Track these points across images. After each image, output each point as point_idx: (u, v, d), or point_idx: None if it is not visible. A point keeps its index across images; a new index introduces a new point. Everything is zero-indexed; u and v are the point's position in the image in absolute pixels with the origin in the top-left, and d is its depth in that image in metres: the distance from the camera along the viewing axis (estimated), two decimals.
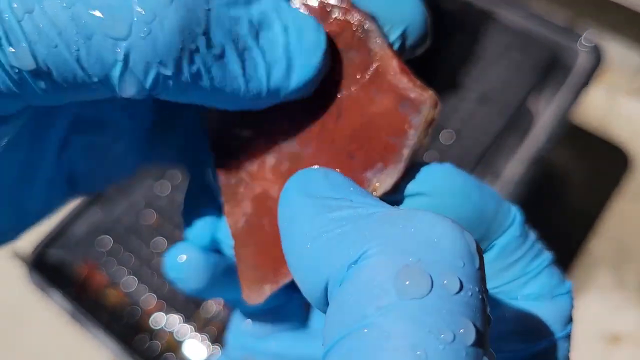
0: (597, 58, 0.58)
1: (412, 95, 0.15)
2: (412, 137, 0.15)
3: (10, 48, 0.13)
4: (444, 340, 0.10)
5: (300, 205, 0.14)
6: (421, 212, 0.12)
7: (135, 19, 0.13)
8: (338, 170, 0.16)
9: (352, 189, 0.14)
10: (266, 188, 0.18)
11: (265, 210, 0.18)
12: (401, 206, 0.16)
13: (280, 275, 0.17)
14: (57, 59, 0.13)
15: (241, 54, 0.14)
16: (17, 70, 0.13)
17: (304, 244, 0.13)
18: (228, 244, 0.19)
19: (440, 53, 0.62)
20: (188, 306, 0.53)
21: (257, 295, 0.18)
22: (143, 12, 0.13)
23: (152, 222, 0.57)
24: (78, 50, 0.13)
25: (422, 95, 0.15)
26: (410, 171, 0.16)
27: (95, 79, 0.13)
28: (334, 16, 0.16)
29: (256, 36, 0.15)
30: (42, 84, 0.13)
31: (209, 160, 0.19)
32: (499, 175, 0.54)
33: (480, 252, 0.12)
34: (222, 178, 0.19)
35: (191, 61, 0.14)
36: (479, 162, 0.56)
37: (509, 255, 0.16)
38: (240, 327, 0.22)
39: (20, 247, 0.55)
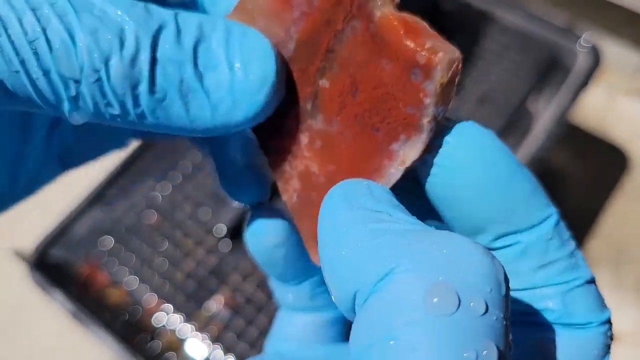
0: (596, 58, 0.58)
1: (421, 61, 0.14)
2: (429, 106, 0.15)
3: None
4: (467, 359, 0.10)
5: (340, 212, 0.14)
6: (456, 236, 0.12)
7: (86, 65, 0.14)
8: (366, 145, 0.16)
9: (393, 203, 0.14)
10: (307, 165, 0.18)
11: (311, 185, 0.18)
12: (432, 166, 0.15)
13: None
14: (16, 81, 0.14)
15: (185, 97, 0.15)
16: None
17: (339, 250, 0.13)
18: None
19: None
20: (189, 306, 0.53)
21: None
22: (93, 59, 0.14)
23: (153, 222, 0.57)
24: (37, 79, 0.14)
25: (432, 60, 0.14)
26: (437, 139, 0.15)
27: (48, 106, 0.15)
28: None
29: (201, 78, 0.15)
30: None
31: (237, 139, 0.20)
32: None
33: (507, 281, 0.12)
34: (269, 159, 0.19)
35: (136, 104, 0.15)
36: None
37: (534, 258, 0.15)
38: (281, 333, 0.22)
39: (21, 246, 0.56)
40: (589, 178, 0.69)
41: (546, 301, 0.15)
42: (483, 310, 0.11)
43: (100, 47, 0.14)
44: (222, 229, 0.56)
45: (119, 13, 0.15)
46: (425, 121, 0.15)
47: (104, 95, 0.15)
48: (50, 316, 0.61)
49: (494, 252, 0.15)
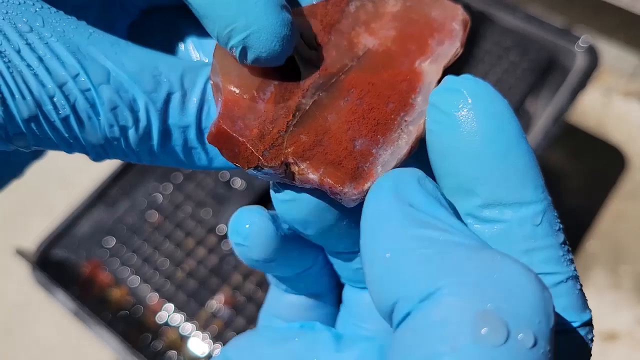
0: (594, 60, 0.59)
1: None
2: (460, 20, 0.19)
3: None
4: None
5: (389, 207, 0.14)
6: (508, 259, 0.12)
7: (108, 134, 0.17)
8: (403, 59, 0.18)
9: (441, 199, 0.14)
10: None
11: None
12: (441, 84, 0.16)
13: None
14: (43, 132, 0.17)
15: (187, 151, 0.18)
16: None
17: (383, 250, 0.13)
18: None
19: None
20: (190, 304, 0.54)
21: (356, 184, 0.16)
22: (113, 131, 0.17)
23: (154, 222, 0.58)
24: (60, 136, 0.17)
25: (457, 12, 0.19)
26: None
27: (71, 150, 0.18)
28: None
29: (202, 137, 0.18)
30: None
31: None
32: None
33: (555, 314, 0.12)
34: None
35: (150, 154, 0.18)
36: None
37: (519, 241, 0.14)
38: (272, 309, 0.22)
39: (23, 246, 0.56)
40: (587, 178, 0.70)
41: None
42: (532, 343, 0.11)
43: (119, 122, 0.17)
44: (223, 228, 0.56)
45: (133, 84, 0.17)
46: (457, 27, 0.19)
47: (124, 153, 0.18)
48: (52, 315, 0.61)
49: (479, 226, 0.15)
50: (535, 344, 0.11)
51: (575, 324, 0.14)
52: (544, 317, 0.11)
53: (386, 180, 0.15)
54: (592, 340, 0.14)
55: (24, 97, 0.15)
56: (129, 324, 0.53)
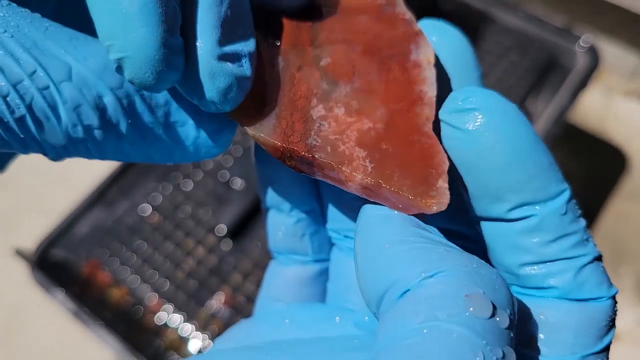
0: (595, 59, 0.59)
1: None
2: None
3: None
4: (496, 355, 0.13)
5: (388, 213, 0.16)
6: (487, 265, 0.14)
7: (71, 133, 0.16)
8: (391, 72, 0.18)
9: (435, 232, 0.16)
10: (360, 128, 0.18)
11: (374, 141, 0.18)
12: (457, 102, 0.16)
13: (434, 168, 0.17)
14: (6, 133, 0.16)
15: (160, 145, 0.18)
16: None
17: (383, 244, 0.15)
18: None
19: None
20: (190, 305, 0.54)
21: (436, 194, 0.17)
22: (77, 131, 0.16)
23: (154, 222, 0.58)
24: (23, 140, 0.16)
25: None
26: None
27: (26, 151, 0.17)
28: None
29: (171, 133, 0.18)
30: None
31: None
32: None
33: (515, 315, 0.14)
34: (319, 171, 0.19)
35: (118, 151, 0.18)
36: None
37: (549, 231, 0.15)
38: (269, 289, 0.22)
39: (23, 246, 0.56)
40: (587, 178, 0.70)
41: (556, 277, 0.16)
42: (507, 325, 0.13)
43: (83, 122, 0.16)
44: (222, 228, 0.56)
45: (97, 81, 0.16)
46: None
47: (88, 152, 0.17)
48: (51, 315, 0.61)
49: (509, 223, 0.16)
50: (509, 327, 0.13)
51: (604, 300, 0.16)
52: (512, 310, 0.14)
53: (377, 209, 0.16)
54: (615, 313, 0.16)
55: None
56: (129, 324, 0.53)
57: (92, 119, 0.16)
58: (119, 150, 0.17)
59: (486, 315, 0.13)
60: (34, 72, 0.15)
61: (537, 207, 0.16)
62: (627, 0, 0.65)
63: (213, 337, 0.52)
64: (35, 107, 0.15)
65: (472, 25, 0.64)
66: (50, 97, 0.15)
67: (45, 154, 0.17)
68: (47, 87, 0.15)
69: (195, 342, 0.52)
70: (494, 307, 0.13)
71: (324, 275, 0.22)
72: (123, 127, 0.17)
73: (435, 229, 0.16)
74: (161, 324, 0.53)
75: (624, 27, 0.71)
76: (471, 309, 0.13)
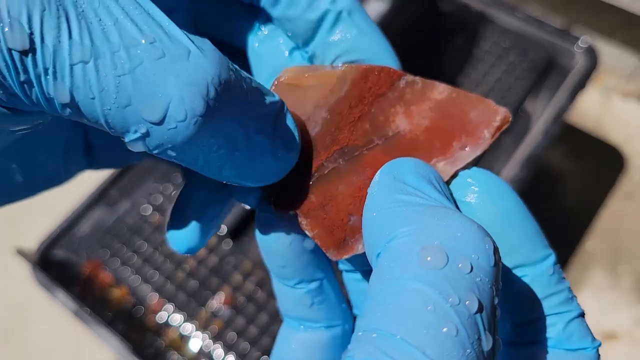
0: (593, 60, 0.59)
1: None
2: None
3: (52, 81, 0.14)
4: (451, 302, 0.13)
5: (383, 182, 0.17)
6: (460, 214, 0.15)
7: (171, 114, 0.14)
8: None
9: (433, 181, 0.17)
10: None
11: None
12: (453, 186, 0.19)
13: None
14: (89, 106, 0.14)
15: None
16: (51, 97, 0.14)
17: (372, 212, 0.16)
18: None
19: (438, 55, 0.63)
20: (190, 304, 0.54)
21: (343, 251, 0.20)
22: (180, 111, 0.14)
23: (154, 222, 0.58)
24: (109, 109, 0.14)
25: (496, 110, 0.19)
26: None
27: (111, 130, 0.15)
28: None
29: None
30: (67, 111, 0.15)
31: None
32: (497, 174, 0.55)
33: (498, 257, 0.15)
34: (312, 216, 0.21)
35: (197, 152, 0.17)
36: (478, 162, 0.57)
37: (539, 290, 0.17)
38: (281, 352, 0.23)
39: (24, 246, 0.56)
40: (586, 178, 0.70)
41: (548, 329, 0.18)
42: (468, 270, 0.14)
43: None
44: (223, 228, 0.56)
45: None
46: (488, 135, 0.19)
47: (173, 142, 0.15)
48: (52, 315, 0.62)
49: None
50: (471, 271, 0.14)
51: (589, 350, 0.17)
52: (483, 254, 0.14)
53: (387, 165, 0.18)
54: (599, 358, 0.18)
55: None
56: (130, 324, 0.53)
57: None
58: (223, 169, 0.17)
59: (440, 265, 0.14)
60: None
61: (529, 268, 0.18)
62: (625, 1, 0.66)
63: (213, 337, 0.52)
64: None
65: (472, 26, 0.64)
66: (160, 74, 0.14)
67: (124, 133, 0.15)
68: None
69: (196, 342, 0.52)
70: (448, 257, 0.14)
71: (335, 340, 0.23)
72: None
73: (431, 181, 0.17)
74: (162, 323, 0.53)
75: (623, 28, 0.72)
76: (426, 260, 0.14)
